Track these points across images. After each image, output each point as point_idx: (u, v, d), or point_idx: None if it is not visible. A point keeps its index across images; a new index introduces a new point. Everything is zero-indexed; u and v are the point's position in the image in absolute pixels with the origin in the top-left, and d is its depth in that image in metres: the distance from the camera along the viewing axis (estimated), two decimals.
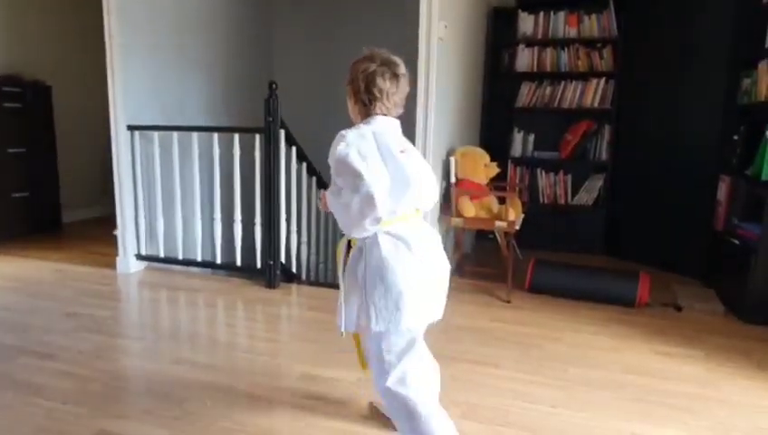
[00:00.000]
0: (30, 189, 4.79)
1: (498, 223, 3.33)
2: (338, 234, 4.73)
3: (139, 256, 3.87)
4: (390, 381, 1.67)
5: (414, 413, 1.65)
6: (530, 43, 4.62)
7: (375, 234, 1.62)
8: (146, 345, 2.64)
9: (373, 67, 1.64)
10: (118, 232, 3.85)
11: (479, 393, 2.22)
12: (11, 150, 4.62)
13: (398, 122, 1.72)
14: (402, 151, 1.65)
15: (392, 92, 1.66)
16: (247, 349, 2.63)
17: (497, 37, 4.92)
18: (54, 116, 5.04)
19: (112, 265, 3.88)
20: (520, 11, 4.60)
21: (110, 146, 3.73)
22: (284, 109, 3.42)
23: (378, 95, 1.64)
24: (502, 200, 3.62)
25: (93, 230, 5.14)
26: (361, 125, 1.67)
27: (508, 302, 3.31)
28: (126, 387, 2.25)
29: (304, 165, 3.87)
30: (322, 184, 4.27)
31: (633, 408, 2.15)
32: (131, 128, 3.70)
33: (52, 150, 5.04)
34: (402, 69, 1.68)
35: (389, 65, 1.65)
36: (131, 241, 3.84)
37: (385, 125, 1.67)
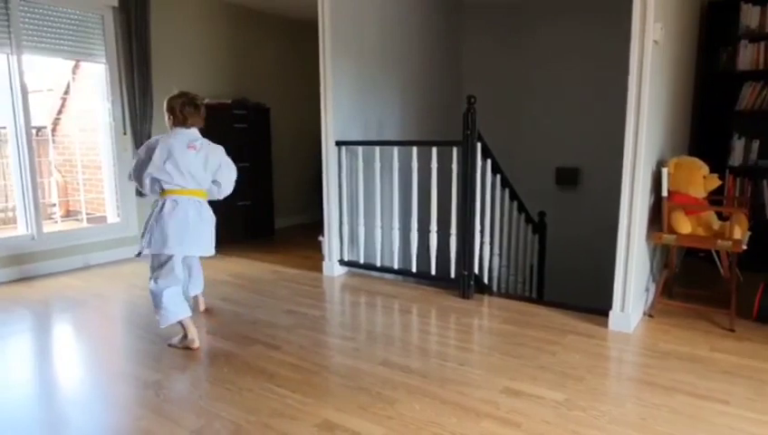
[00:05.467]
0: (251, 199, 5.46)
1: (720, 242, 2.98)
2: (528, 246, 4.65)
3: (342, 262, 4.19)
4: (151, 284, 2.79)
5: (159, 300, 2.76)
6: (755, 38, 4.10)
7: (165, 197, 2.70)
8: (355, 346, 2.85)
9: (183, 100, 2.73)
10: (324, 239, 4.22)
11: (706, 432, 2.01)
12: (239, 165, 5.27)
13: (195, 130, 2.78)
14: (191, 147, 2.70)
15: (194, 114, 2.75)
16: (448, 357, 2.70)
17: (713, 34, 4.44)
18: (271, 134, 5.69)
19: (319, 269, 4.26)
20: (742, 3, 4.12)
21: (316, 161, 4.10)
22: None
23: (186, 116, 2.73)
24: (720, 215, 3.25)
25: (299, 236, 5.70)
26: (171, 133, 2.75)
27: (732, 330, 2.95)
28: (343, 382, 2.44)
29: (498, 177, 3.86)
30: (515, 196, 4.22)
31: None
32: (339, 143, 4.04)
33: (269, 164, 5.69)
34: (200, 101, 2.79)
35: (193, 99, 2.76)
36: (336, 247, 4.17)
37: (182, 132, 2.74)
